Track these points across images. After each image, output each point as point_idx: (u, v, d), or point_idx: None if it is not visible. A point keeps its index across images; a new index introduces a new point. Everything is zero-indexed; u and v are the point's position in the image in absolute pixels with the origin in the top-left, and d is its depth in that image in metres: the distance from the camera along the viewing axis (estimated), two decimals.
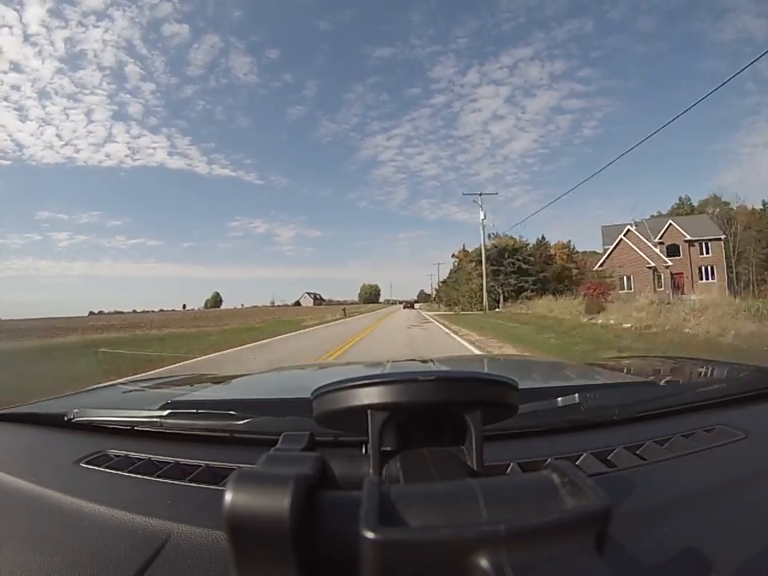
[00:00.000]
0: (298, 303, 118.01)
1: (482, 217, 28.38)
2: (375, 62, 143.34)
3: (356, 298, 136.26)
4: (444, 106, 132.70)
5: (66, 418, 0.75)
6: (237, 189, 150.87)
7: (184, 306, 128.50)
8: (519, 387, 0.36)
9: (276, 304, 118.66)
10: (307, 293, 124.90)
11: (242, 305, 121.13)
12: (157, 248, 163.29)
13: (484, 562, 0.20)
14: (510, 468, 0.53)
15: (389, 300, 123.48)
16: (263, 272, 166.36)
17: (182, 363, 7.26)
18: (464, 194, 28.62)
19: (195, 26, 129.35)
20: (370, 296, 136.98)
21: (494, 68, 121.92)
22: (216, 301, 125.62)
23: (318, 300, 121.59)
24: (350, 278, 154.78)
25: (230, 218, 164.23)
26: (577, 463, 0.54)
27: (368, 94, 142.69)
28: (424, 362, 1.42)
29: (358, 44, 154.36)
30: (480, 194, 28.42)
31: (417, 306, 65.70)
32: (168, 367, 6.69)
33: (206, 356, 8.54)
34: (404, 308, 56.34)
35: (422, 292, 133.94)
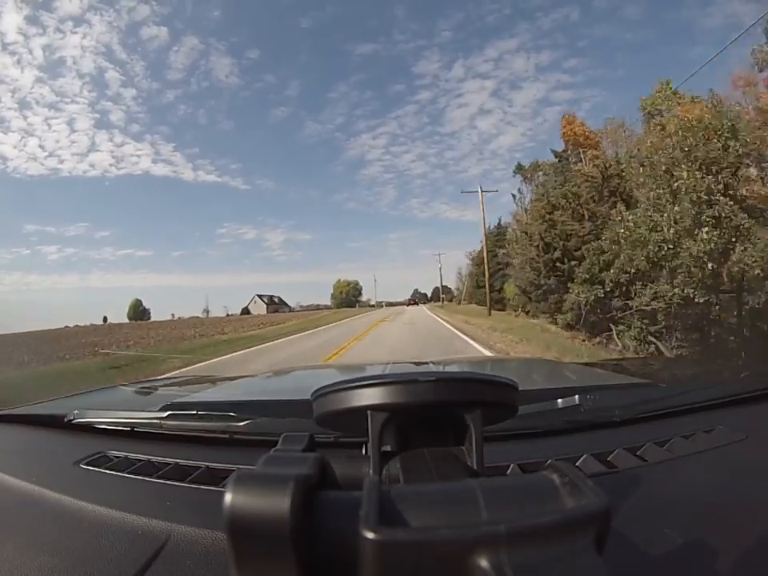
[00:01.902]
0: (246, 311, 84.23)
1: None
2: (358, 59, 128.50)
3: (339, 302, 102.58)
4: (429, 102, 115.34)
5: (66, 419, 0.75)
6: (223, 194, 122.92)
7: (105, 320, 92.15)
8: (519, 388, 0.36)
9: (215, 314, 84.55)
10: (258, 296, 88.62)
11: (173, 315, 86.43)
12: (147, 258, 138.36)
13: (484, 563, 0.20)
14: (510, 469, 0.53)
15: (380, 302, 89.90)
16: (250, 278, 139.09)
17: None
18: None
19: (174, 28, 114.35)
20: (348, 297, 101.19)
21: (479, 61, 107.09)
22: (137, 311, 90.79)
23: (274, 305, 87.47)
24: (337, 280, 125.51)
25: (218, 225, 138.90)
26: (577, 464, 0.54)
27: (352, 92, 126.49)
28: (424, 363, 1.47)
29: (341, 41, 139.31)
30: None
31: (423, 306, 60.38)
32: None
33: None
34: (407, 305, 55.31)
35: (416, 291, 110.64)
